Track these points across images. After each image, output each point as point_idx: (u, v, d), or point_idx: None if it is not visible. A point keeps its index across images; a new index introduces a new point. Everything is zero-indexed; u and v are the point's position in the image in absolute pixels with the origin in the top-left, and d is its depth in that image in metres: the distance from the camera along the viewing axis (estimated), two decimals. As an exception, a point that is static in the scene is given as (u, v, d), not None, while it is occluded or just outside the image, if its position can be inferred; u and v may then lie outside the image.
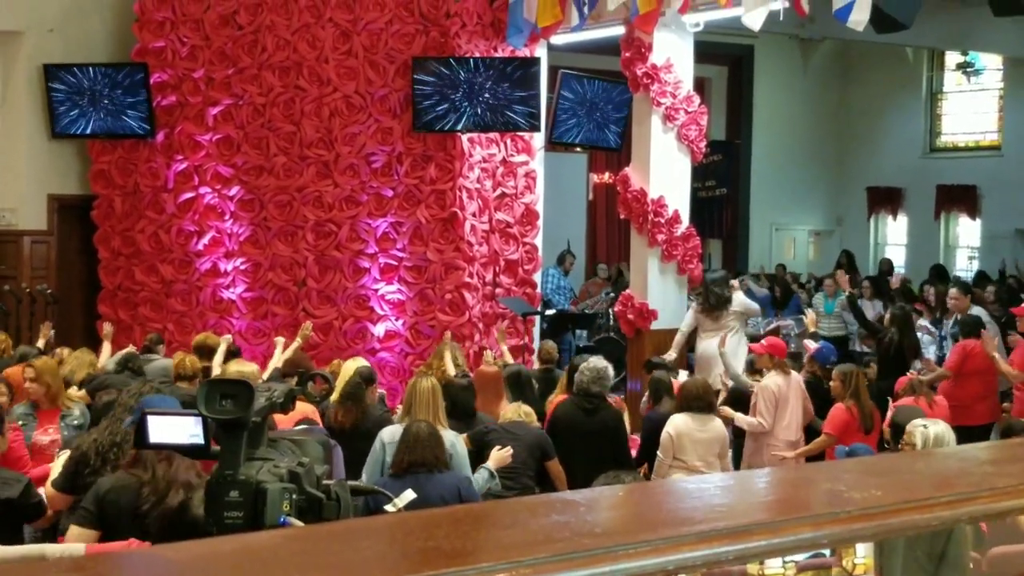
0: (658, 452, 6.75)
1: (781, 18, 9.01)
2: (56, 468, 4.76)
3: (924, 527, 1.30)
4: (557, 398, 7.39)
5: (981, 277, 15.27)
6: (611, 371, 7.11)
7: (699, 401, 6.80)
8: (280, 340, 8.26)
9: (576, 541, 0.89)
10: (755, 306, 10.90)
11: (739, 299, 10.27)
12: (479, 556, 0.88)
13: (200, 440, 2.47)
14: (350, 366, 6.89)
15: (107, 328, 9.04)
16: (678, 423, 6.71)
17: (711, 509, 0.99)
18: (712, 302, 9.68)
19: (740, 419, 7.46)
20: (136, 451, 3.75)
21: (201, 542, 1.08)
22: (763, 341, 8.11)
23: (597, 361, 7.05)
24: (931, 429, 5.37)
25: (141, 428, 2.51)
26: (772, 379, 7.52)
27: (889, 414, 6.60)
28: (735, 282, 11.68)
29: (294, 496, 2.38)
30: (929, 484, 1.03)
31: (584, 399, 6.89)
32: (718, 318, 10.07)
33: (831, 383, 7.46)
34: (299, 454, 2.49)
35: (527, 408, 6.53)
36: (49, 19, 11.33)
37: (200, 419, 2.43)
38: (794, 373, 7.73)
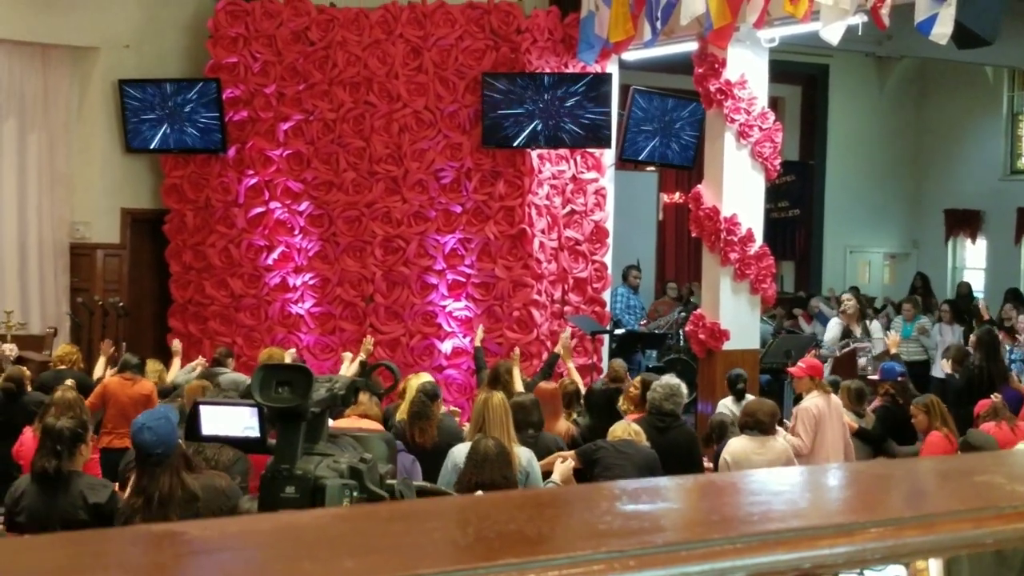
0: None
1: (860, 32, 8.79)
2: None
3: None
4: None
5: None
6: (684, 389, 6.93)
7: (756, 421, 6.47)
8: (347, 355, 8.21)
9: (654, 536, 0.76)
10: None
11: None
12: (574, 544, 0.76)
13: (255, 432, 2.30)
14: (413, 383, 6.76)
15: (176, 344, 9.29)
16: (734, 448, 6.42)
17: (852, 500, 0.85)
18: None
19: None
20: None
21: (234, 519, 0.95)
22: (800, 363, 7.85)
23: (670, 378, 6.86)
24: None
25: (193, 419, 2.36)
26: (812, 400, 7.28)
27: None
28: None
29: (355, 494, 2.18)
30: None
31: (657, 417, 6.70)
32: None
33: (914, 417, 7.23)
34: (361, 451, 2.32)
35: (636, 427, 6.27)
36: (124, 36, 11.49)
37: (256, 410, 2.25)
38: (834, 396, 7.48)
